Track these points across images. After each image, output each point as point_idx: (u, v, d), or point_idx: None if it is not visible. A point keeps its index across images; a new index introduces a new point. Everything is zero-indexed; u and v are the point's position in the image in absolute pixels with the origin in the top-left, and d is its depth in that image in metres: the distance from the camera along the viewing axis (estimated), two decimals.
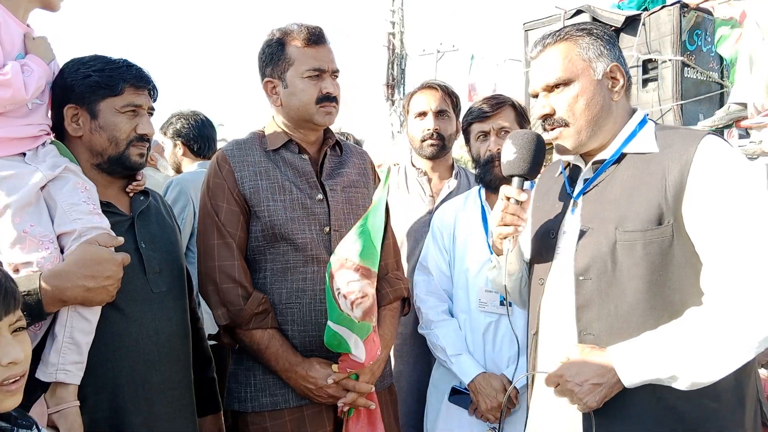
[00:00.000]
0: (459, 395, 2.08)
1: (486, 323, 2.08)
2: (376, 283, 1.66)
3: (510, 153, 1.50)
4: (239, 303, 1.72)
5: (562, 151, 1.49)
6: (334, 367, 1.71)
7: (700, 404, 1.29)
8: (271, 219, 1.75)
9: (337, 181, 1.86)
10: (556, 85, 1.44)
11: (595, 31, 1.47)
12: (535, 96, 1.51)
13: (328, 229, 1.79)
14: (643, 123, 1.47)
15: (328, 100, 1.79)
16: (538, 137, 1.51)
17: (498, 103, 2.18)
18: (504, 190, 1.50)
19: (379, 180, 2.05)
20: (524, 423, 1.60)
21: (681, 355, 1.24)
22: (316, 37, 1.78)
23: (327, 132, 1.93)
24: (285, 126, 1.87)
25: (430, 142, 2.52)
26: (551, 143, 1.52)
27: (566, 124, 1.44)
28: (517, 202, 1.48)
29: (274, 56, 1.81)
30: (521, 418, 1.94)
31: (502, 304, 2.05)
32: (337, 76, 1.83)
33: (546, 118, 1.47)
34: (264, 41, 1.85)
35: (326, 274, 1.65)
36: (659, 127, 1.46)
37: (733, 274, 1.24)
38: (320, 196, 1.81)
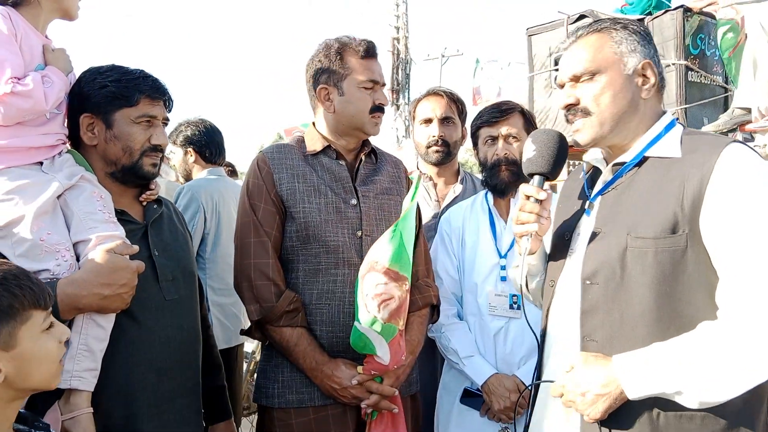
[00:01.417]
0: (471, 397, 2.10)
1: (497, 326, 2.09)
2: (408, 288, 1.67)
3: (530, 150, 1.46)
4: (271, 300, 1.78)
5: (578, 145, 1.45)
6: (359, 368, 1.74)
7: (706, 419, 1.24)
8: (305, 220, 1.80)
9: (370, 188, 1.91)
10: (583, 76, 1.40)
11: (631, 26, 1.42)
12: (562, 86, 1.47)
13: (360, 233, 1.83)
14: (670, 126, 1.41)
15: (380, 110, 1.89)
16: (560, 135, 1.46)
17: (508, 108, 2.21)
18: (523, 188, 1.46)
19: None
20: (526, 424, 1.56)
21: (690, 371, 1.18)
22: (372, 51, 1.89)
23: (364, 140, 1.98)
24: (328, 132, 1.93)
25: (435, 148, 2.57)
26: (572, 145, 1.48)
27: (588, 114, 1.40)
28: (536, 200, 1.42)
29: (332, 65, 1.87)
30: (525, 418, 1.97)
31: (511, 307, 2.06)
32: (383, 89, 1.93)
33: (569, 107, 1.42)
34: (320, 50, 1.91)
35: (357, 277, 1.69)
36: (687, 132, 1.40)
37: (753, 291, 1.18)
38: (354, 201, 1.86)
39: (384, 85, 1.92)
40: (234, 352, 3.13)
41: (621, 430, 1.29)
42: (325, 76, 1.88)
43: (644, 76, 1.40)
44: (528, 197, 1.44)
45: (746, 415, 1.26)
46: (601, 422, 1.30)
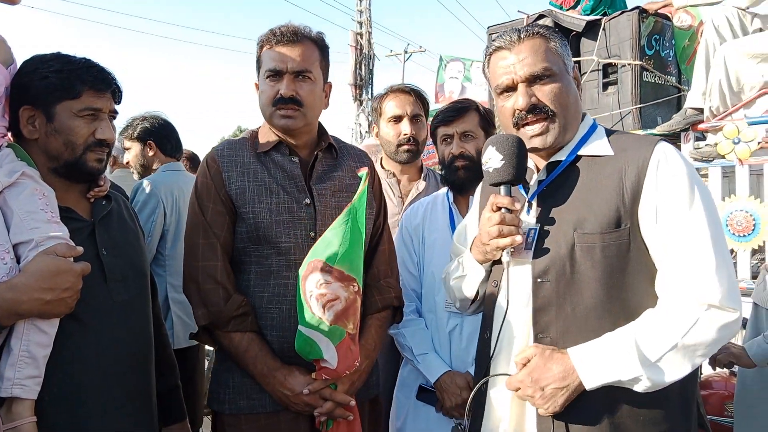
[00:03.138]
0: (426, 393, 2.12)
1: (453, 323, 2.11)
2: (358, 290, 1.61)
3: (497, 160, 1.42)
4: (219, 304, 1.70)
5: (535, 150, 1.45)
6: (313, 374, 1.67)
7: (651, 407, 1.31)
8: (255, 221, 1.72)
9: (327, 186, 1.81)
10: (541, 77, 1.40)
11: (558, 33, 1.48)
12: (508, 88, 1.45)
13: (313, 234, 1.74)
14: (594, 126, 1.49)
15: (283, 102, 1.74)
16: (520, 140, 1.44)
17: (462, 107, 2.23)
18: (495, 200, 1.43)
19: (379, 183, 2.01)
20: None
21: (642, 357, 1.25)
22: (280, 37, 1.76)
23: (322, 135, 1.89)
24: (274, 128, 1.84)
25: (406, 147, 2.56)
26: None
27: (551, 116, 1.40)
28: (510, 210, 1.41)
29: (256, 61, 1.83)
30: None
31: None
32: (307, 77, 1.76)
33: (531, 108, 1.41)
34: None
35: (297, 278, 1.62)
36: (609, 132, 1.47)
37: (688, 281, 1.27)
38: (307, 201, 1.77)
39: (301, 72, 1.75)
40: (195, 351, 3.06)
41: (578, 423, 1.33)
42: (256, 71, 1.84)
43: (575, 79, 1.47)
44: (500, 209, 1.41)
45: (685, 399, 1.36)
46: (558, 416, 1.33)
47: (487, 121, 2.23)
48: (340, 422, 1.70)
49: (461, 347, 2.09)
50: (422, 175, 2.68)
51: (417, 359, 2.11)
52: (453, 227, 2.18)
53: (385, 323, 1.91)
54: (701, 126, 4.10)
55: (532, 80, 1.41)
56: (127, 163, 3.39)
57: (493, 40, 1.49)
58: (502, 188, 1.43)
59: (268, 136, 1.83)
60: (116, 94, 1.56)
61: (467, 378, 2.02)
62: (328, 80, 1.89)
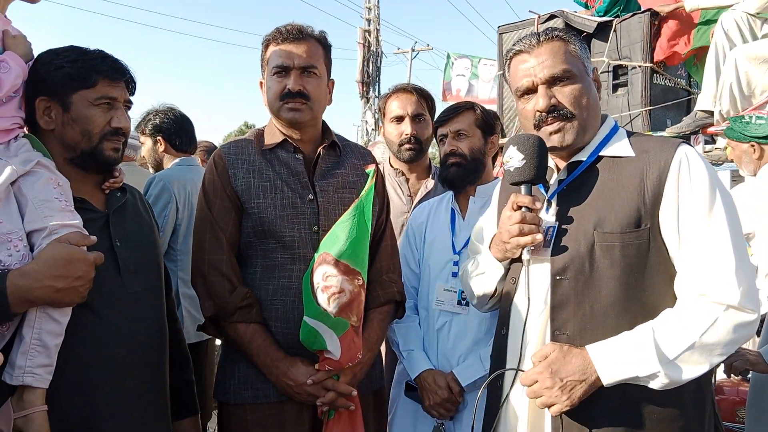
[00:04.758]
0: (413, 391, 2.14)
1: (441, 321, 2.13)
2: (362, 283, 1.64)
3: (518, 160, 1.43)
4: (225, 296, 1.74)
5: (554, 149, 1.47)
6: (316, 365, 1.70)
7: (665, 406, 1.32)
8: (260, 216, 1.77)
9: (330, 182, 1.85)
10: (561, 78, 1.43)
11: (577, 36, 1.51)
12: (529, 90, 1.47)
13: (316, 229, 1.78)
14: (616, 128, 1.51)
15: (291, 96, 1.79)
16: (541, 140, 1.45)
17: (457, 107, 2.26)
18: (516, 199, 1.45)
19: (383, 180, 2.04)
20: (478, 418, 1.55)
21: (661, 354, 1.26)
22: (286, 35, 1.81)
23: (325, 132, 1.93)
24: (279, 125, 1.88)
25: (407, 146, 2.58)
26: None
27: (569, 117, 1.43)
28: (530, 209, 1.43)
29: (261, 59, 1.89)
30: (468, 416, 1.99)
31: (459, 303, 2.10)
32: (312, 73, 1.82)
33: (551, 110, 1.43)
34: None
35: (307, 270, 1.66)
36: (630, 134, 1.49)
37: (707, 281, 1.28)
38: (310, 196, 1.81)
39: (307, 68, 1.81)
40: (205, 346, 3.07)
41: (597, 426, 1.34)
42: (261, 70, 1.90)
43: (596, 81, 1.50)
44: (520, 208, 1.43)
45: (699, 398, 1.38)
46: (577, 418, 1.33)
47: (484, 119, 2.24)
48: (342, 412, 1.72)
49: (447, 346, 2.11)
50: (431, 173, 2.69)
51: (402, 355, 2.14)
52: (453, 227, 2.21)
53: (387, 317, 1.94)
54: (711, 129, 4.09)
55: (552, 82, 1.44)
56: (143, 157, 3.39)
57: (513, 45, 1.52)
58: (523, 187, 1.45)
59: (273, 133, 1.88)
60: (130, 84, 1.58)
61: (448, 378, 2.04)
62: (331, 77, 1.94)
